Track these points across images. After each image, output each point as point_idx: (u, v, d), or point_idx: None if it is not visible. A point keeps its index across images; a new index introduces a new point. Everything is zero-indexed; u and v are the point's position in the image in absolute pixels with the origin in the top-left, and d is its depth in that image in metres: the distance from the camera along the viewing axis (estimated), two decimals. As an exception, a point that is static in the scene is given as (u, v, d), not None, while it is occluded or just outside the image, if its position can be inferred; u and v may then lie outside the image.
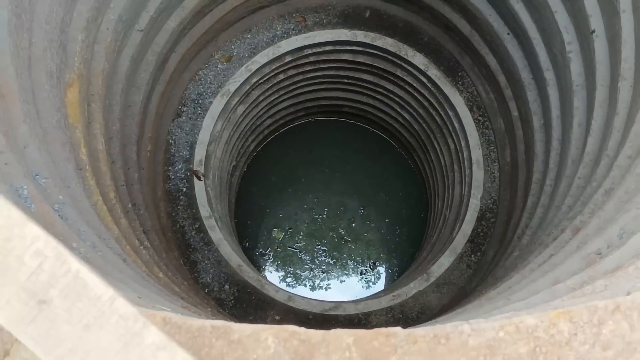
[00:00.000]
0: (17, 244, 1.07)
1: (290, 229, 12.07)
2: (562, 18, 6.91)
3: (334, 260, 12.00)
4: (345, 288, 11.79)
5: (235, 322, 1.61)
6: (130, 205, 7.10)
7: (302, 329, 1.37)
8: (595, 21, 6.28)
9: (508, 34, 8.14)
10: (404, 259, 11.68)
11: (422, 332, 1.35)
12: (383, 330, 1.34)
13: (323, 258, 12.00)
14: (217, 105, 9.26)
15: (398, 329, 1.37)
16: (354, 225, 12.15)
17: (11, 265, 1.05)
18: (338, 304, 9.20)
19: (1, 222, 1.07)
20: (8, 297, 1.05)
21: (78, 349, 1.05)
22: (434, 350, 1.29)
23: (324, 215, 12.14)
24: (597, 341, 1.36)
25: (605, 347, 1.36)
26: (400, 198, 12.02)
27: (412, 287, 8.78)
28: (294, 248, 12.01)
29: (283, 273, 11.82)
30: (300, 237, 12.09)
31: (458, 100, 9.35)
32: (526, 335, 1.32)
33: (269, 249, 11.92)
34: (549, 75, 7.48)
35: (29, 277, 1.06)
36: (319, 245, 12.07)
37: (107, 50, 6.60)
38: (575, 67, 6.78)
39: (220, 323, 1.35)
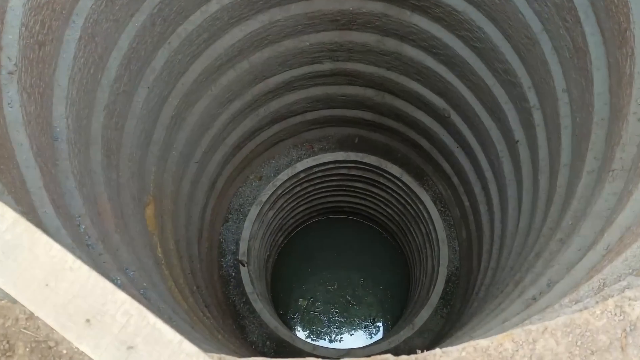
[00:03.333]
0: (110, 307, 1.08)
1: (311, 298, 11.91)
2: (494, 133, 6.97)
3: (344, 318, 11.81)
4: (354, 338, 11.57)
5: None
6: (195, 288, 7.04)
7: None
8: (518, 134, 6.33)
9: (457, 147, 8.20)
10: (395, 314, 11.49)
11: (406, 357, 1.34)
12: (378, 357, 1.33)
13: (336, 317, 11.81)
14: (253, 212, 9.26)
15: (389, 355, 1.36)
16: (357, 292, 12.00)
17: (107, 322, 1.06)
18: (349, 351, 9.04)
19: (99, 291, 1.08)
20: (106, 345, 1.05)
21: (158, 381, 1.05)
22: (415, 368, 1.28)
23: (335, 286, 12.00)
24: (533, 354, 1.35)
25: (539, 358, 1.35)
26: (389, 270, 11.88)
27: (402, 335, 8.63)
28: (315, 312, 11.84)
29: (308, 331, 11.62)
30: (319, 303, 11.92)
31: (425, 197, 9.34)
32: (481, 354, 1.31)
33: (297, 314, 11.75)
34: (488, 174, 7.51)
35: (120, 330, 1.06)
36: (332, 309, 11.91)
37: (173, 177, 6.65)
38: (507, 168, 6.80)
39: (260, 358, 1.34)
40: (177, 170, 6.74)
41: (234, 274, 9.32)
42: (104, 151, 4.76)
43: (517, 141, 6.36)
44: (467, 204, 8.72)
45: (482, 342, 1.30)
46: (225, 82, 7.09)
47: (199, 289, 7.34)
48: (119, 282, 4.00)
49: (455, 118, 7.76)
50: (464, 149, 8.05)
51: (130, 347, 1.02)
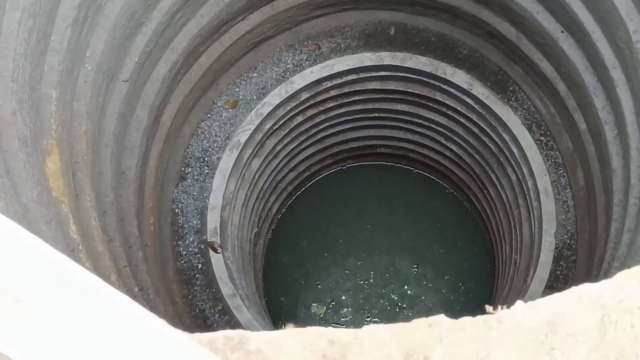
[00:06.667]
0: None
1: (332, 301, 11.96)
2: (622, 3, 6.92)
3: (390, 334, 11.87)
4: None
5: None
6: (137, 290, 7.08)
7: (330, 329, 1.39)
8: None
9: (562, 32, 8.15)
10: (474, 320, 11.56)
11: (470, 319, 1.37)
12: (424, 320, 1.36)
13: (376, 333, 11.87)
14: (226, 161, 9.25)
15: (442, 316, 1.39)
16: (407, 288, 12.02)
17: None
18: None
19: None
20: None
21: None
22: (485, 336, 1.31)
23: (371, 281, 12.03)
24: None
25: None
26: (459, 248, 11.89)
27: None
28: (339, 324, 11.90)
29: None
30: (346, 310, 11.96)
31: (513, 120, 9.31)
32: (590, 305, 1.34)
33: (310, 328, 11.82)
34: (616, 73, 7.46)
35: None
36: (369, 318, 11.95)
37: (88, 107, 6.65)
38: (649, 60, 6.77)
39: (234, 332, 1.37)
40: (94, 94, 6.74)
41: (200, 265, 9.34)
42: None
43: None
44: (583, 126, 8.68)
45: (592, 288, 1.32)
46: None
47: (144, 292, 7.40)
48: None
49: (557, -19, 7.72)
50: (574, 34, 8.00)
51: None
